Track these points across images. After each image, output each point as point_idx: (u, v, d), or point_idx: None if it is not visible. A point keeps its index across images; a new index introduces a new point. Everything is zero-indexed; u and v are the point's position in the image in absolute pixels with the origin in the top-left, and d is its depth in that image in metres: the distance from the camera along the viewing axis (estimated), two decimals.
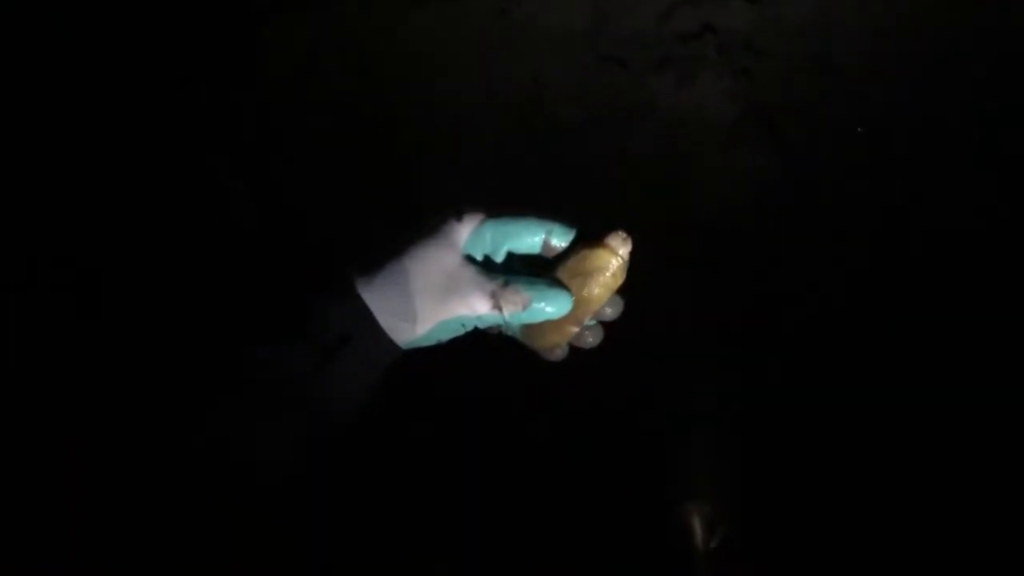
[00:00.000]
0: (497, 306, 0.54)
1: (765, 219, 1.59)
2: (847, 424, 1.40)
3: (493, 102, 1.58)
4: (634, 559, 1.29)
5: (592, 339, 0.58)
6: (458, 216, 0.56)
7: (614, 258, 0.55)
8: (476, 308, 0.55)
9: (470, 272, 0.55)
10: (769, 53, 1.54)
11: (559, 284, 0.55)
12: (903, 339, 1.46)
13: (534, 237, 0.56)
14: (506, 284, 0.55)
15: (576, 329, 0.56)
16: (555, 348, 0.57)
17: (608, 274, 0.55)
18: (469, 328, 0.57)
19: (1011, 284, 1.42)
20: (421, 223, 0.58)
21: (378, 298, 0.55)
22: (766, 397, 1.46)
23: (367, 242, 0.59)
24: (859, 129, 1.53)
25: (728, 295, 1.59)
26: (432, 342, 0.57)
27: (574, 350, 0.58)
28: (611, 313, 0.57)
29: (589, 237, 0.56)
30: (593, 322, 0.58)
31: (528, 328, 0.56)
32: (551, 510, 1.30)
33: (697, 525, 1.34)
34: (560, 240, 0.56)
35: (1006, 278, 1.43)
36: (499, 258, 0.57)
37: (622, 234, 0.55)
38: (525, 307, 0.54)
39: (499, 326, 0.57)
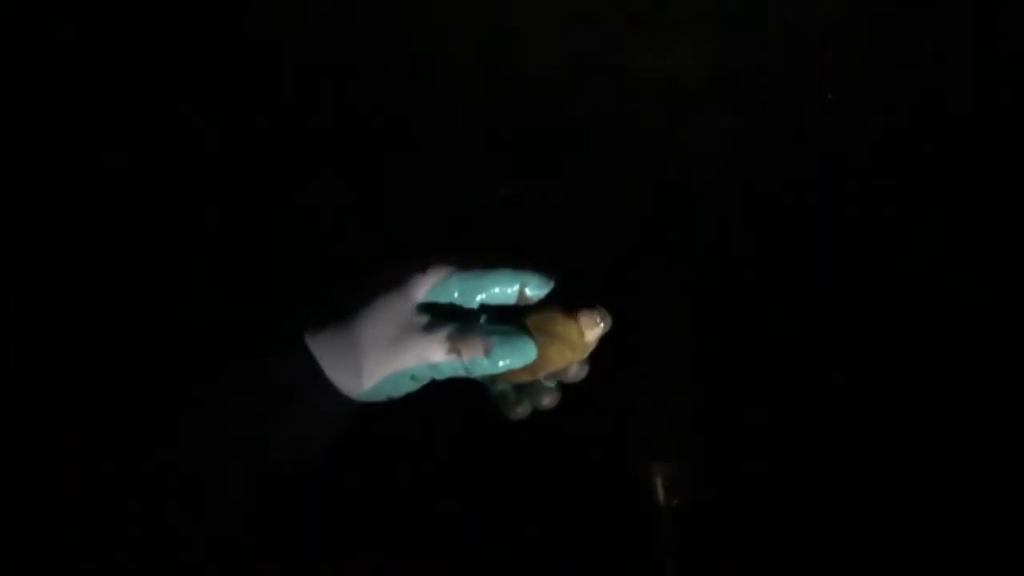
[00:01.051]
0: (455, 350, 0.51)
1: (736, 182, 1.61)
2: (812, 386, 1.43)
3: (464, 63, 1.55)
4: (594, 518, 1.31)
5: (548, 401, 0.55)
6: (423, 268, 0.53)
7: (581, 336, 0.52)
8: (429, 357, 0.51)
9: (423, 321, 0.52)
10: (743, 18, 1.53)
11: (524, 332, 0.52)
12: (872, 301, 1.49)
13: (508, 288, 0.53)
14: (462, 330, 0.52)
15: (529, 378, 0.54)
16: (514, 406, 0.55)
17: (569, 349, 0.52)
18: (424, 382, 0.54)
19: (1002, 257, 1.42)
20: (383, 270, 0.55)
21: (325, 349, 0.53)
22: (730, 357, 1.50)
23: (327, 284, 0.57)
24: (829, 96, 1.54)
25: (695, 256, 1.62)
26: (383, 397, 0.54)
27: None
28: (573, 376, 0.55)
29: (565, 304, 0.53)
30: (553, 384, 0.55)
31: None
32: (513, 471, 1.31)
33: (659, 484, 1.38)
34: (535, 292, 0.53)
35: (996, 249, 1.43)
36: (471, 306, 0.54)
37: (596, 317, 0.53)
38: (487, 352, 0.51)
39: (463, 374, 0.53)
